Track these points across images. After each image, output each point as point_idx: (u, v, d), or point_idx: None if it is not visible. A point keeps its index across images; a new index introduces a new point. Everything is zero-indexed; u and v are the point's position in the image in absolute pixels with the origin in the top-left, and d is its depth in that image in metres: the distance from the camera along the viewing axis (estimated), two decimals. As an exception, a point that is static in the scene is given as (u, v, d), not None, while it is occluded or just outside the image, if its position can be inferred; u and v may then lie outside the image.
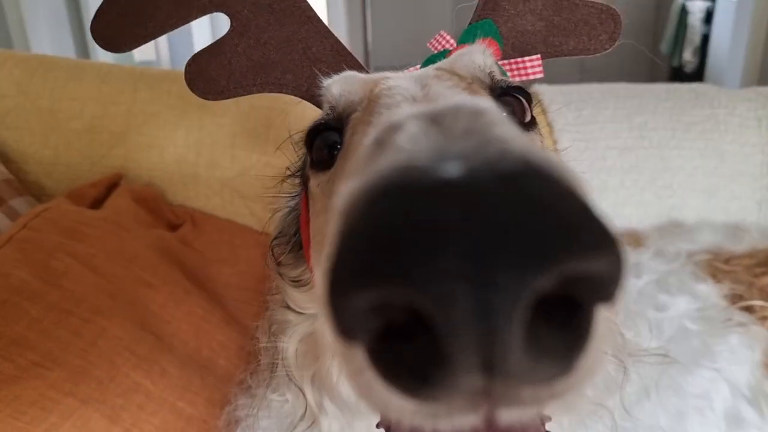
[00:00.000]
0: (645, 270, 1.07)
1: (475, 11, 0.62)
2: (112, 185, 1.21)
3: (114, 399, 0.83)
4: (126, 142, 1.27)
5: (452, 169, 0.24)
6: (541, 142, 0.56)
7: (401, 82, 0.45)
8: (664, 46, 4.69)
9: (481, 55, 0.53)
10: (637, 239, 1.21)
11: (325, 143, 0.51)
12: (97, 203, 1.16)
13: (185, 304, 0.99)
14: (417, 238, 0.23)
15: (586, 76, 3.91)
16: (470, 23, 0.61)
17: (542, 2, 0.60)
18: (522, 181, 0.24)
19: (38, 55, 1.41)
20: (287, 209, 0.67)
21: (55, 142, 1.28)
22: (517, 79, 0.62)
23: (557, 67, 0.65)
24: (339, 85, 0.52)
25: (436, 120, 0.30)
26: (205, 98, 0.60)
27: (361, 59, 0.60)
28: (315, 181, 0.52)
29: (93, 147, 1.27)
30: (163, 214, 1.21)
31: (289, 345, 0.61)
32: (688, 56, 4.41)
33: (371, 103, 0.45)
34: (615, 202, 1.32)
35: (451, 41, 0.62)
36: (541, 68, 0.60)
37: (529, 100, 0.54)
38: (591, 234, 0.25)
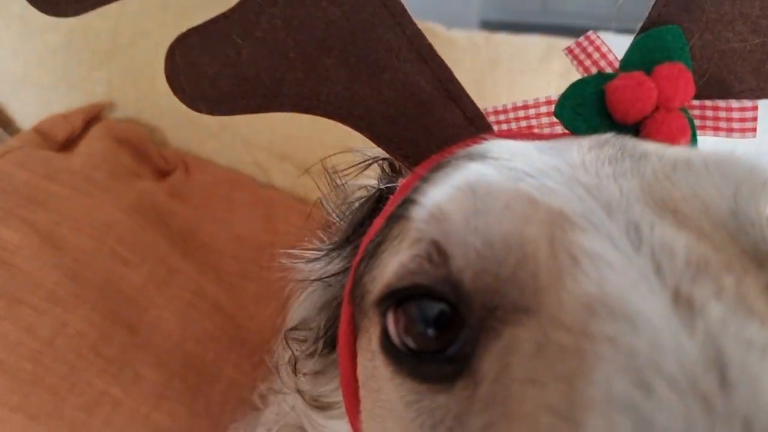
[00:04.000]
0: None
1: (654, 6, 0.38)
2: (91, 118, 1.01)
3: (73, 413, 0.68)
4: (110, 65, 1.06)
5: None
6: None
7: (635, 292, 0.21)
8: None
9: (762, 202, 0.27)
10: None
11: (424, 318, 0.28)
12: (70, 141, 0.97)
13: (169, 285, 0.82)
14: None
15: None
16: (644, 27, 0.38)
17: (761, 3, 0.38)
18: None
19: (8, -57, 1.16)
20: (314, 294, 0.47)
21: (25, 57, 1.06)
22: (711, 133, 0.39)
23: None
24: (464, 218, 0.26)
25: None
26: (198, 110, 0.39)
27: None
28: (395, 386, 0.30)
29: (70, 67, 1.06)
30: (150, 158, 1.02)
31: None
32: None
33: (569, 338, 0.22)
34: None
35: (609, 54, 0.40)
36: (755, 123, 0.38)
37: None
38: None
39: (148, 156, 1.02)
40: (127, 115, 1.07)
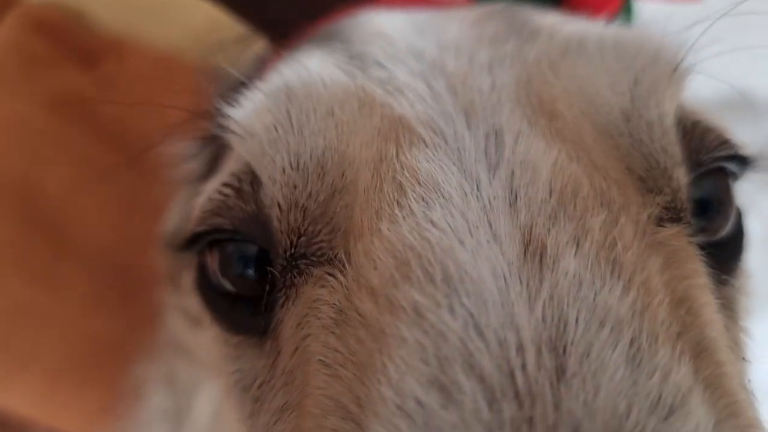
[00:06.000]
0: None
1: None
2: (4, 4, 0.91)
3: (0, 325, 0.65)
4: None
5: None
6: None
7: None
8: None
9: (667, 97, 0.20)
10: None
11: (242, 257, 0.23)
12: (-18, 30, 0.87)
13: (99, 187, 0.76)
14: None
15: None
16: None
17: None
18: None
19: None
20: (187, 197, 0.41)
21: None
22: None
23: None
24: (272, 132, 0.20)
25: None
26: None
27: None
28: (212, 337, 0.26)
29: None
30: (77, 45, 0.93)
31: (204, 408, 0.41)
32: None
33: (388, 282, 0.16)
34: None
35: None
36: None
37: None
38: None
39: (73, 43, 0.92)
40: (47, -3, 0.97)
